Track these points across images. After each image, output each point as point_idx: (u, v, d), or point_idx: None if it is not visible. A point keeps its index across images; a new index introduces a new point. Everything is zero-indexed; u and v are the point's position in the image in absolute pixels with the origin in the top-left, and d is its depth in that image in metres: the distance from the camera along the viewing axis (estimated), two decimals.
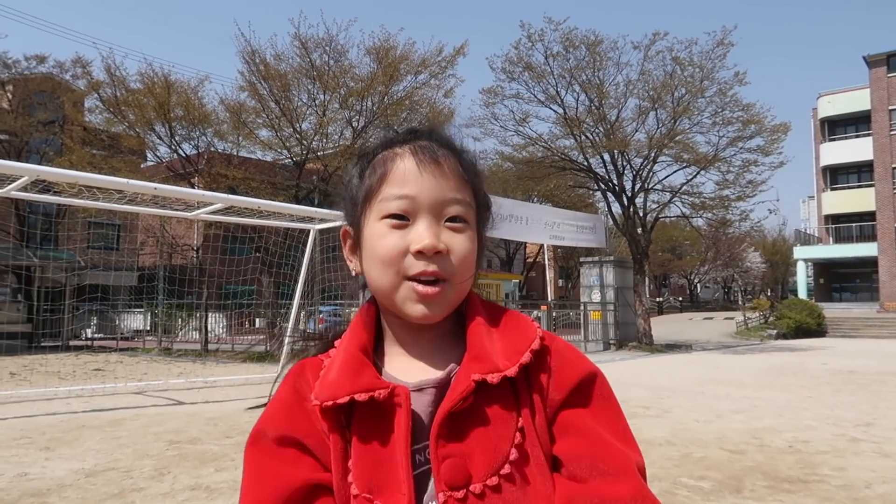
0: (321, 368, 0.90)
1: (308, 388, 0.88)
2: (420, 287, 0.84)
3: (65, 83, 23.38)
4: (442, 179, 0.87)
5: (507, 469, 0.79)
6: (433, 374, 0.87)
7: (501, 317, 0.92)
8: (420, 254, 0.84)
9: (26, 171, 8.56)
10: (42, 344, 21.20)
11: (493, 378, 0.81)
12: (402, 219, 0.86)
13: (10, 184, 8.90)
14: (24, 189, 9.33)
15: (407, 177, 0.86)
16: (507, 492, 0.78)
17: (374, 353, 0.91)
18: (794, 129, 20.69)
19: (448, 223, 0.87)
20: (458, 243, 0.87)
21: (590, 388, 0.87)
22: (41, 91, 23.62)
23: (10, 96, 23.43)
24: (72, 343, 22.32)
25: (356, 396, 0.82)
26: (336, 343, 0.94)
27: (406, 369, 0.89)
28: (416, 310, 0.85)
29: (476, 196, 0.92)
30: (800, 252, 40.16)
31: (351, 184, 0.94)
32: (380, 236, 0.86)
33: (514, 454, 0.80)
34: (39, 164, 19.22)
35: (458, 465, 0.78)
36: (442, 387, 0.85)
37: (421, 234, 0.84)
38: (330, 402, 0.83)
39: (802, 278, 40.44)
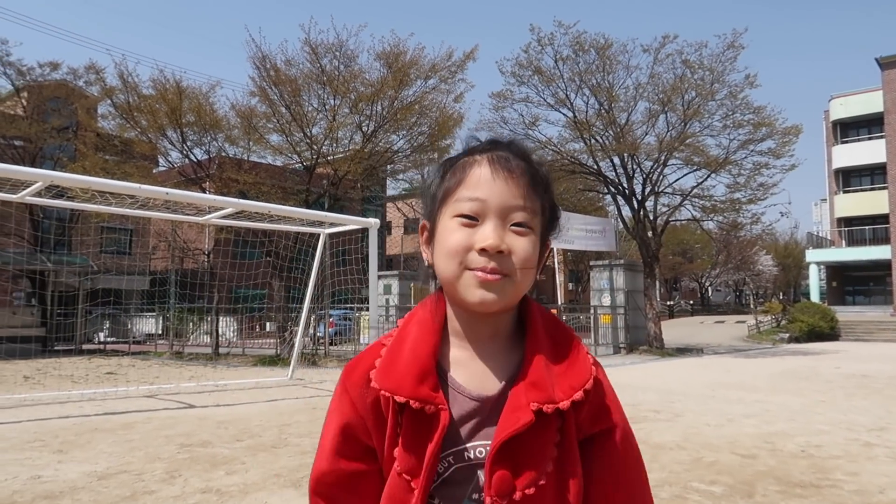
0: (380, 353, 1.00)
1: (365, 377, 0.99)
2: (480, 273, 0.92)
3: (78, 89, 23.60)
4: (512, 187, 0.95)
5: (543, 480, 0.90)
6: (490, 384, 0.97)
7: (561, 338, 1.00)
8: (484, 251, 0.92)
9: (40, 177, 8.66)
10: (56, 348, 21.38)
11: (548, 408, 0.91)
12: (472, 219, 0.94)
13: (24, 189, 9.01)
14: (39, 194, 9.44)
15: (481, 182, 0.95)
16: (542, 498, 0.90)
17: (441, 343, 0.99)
18: (805, 131, 20.58)
19: (513, 227, 0.95)
20: (520, 245, 0.94)
21: (624, 438, 1.01)
22: (55, 97, 23.85)
23: (25, 103, 23.66)
24: (85, 347, 22.50)
25: (411, 403, 0.92)
26: (399, 322, 1.04)
27: (467, 375, 0.98)
28: (476, 294, 0.93)
29: (544, 206, 0.99)
30: (812, 255, 39.84)
31: (432, 184, 1.04)
32: (451, 231, 0.95)
33: (550, 467, 0.91)
34: (53, 169, 19.44)
35: (506, 479, 0.89)
36: (493, 403, 0.95)
37: (486, 233, 0.93)
38: (387, 393, 0.93)
39: (815, 281, 40.13)
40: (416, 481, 0.91)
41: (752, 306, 54.89)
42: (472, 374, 0.97)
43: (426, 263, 1.04)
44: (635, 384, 11.50)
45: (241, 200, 11.43)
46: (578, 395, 0.93)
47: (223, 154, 21.00)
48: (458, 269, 0.94)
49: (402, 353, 0.96)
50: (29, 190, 8.97)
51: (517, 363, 0.97)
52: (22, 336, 18.33)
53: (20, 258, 22.57)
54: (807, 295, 44.28)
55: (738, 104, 19.57)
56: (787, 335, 27.49)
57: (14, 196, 9.30)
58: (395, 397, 0.92)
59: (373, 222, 12.07)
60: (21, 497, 4.48)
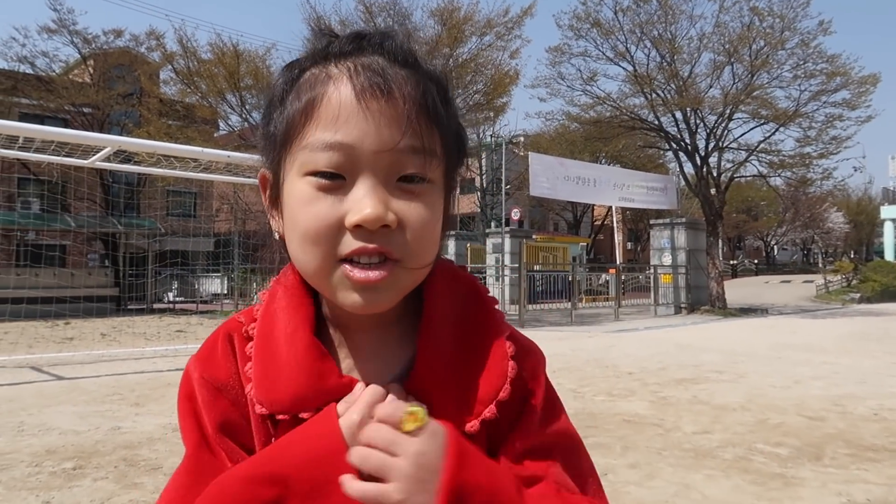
0: (246, 340, 0.73)
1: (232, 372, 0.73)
2: (356, 271, 0.63)
3: (141, 56, 24.20)
4: (395, 118, 0.63)
5: None
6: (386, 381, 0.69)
7: (471, 314, 0.73)
8: (359, 228, 0.62)
9: (109, 142, 8.96)
10: (128, 307, 22.40)
11: (472, 427, 0.67)
12: (335, 178, 0.63)
13: (94, 155, 9.35)
14: (108, 159, 9.79)
15: (342, 115, 0.62)
16: None
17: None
18: (884, 80, 19.36)
19: (402, 183, 0.64)
20: (416, 213, 0.64)
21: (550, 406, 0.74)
22: (119, 65, 24.52)
23: (92, 71, 24.42)
24: (155, 306, 23.51)
25: (301, 415, 0.66)
26: (257, 307, 0.75)
27: (360, 366, 0.71)
28: (351, 300, 0.64)
29: (445, 137, 0.67)
30: (887, 212, 37.99)
31: (270, 106, 0.70)
32: (303, 202, 0.64)
33: None
34: (120, 135, 20.09)
35: None
36: None
37: (360, 200, 0.62)
38: (287, 416, 0.66)
39: (890, 239, 38.26)
40: None
41: (820, 265, 52.95)
42: (364, 362, 0.71)
43: (277, 236, 0.73)
44: (696, 344, 11.30)
45: None
46: (490, 410, 0.67)
47: None
48: (324, 260, 0.64)
49: (276, 349, 0.69)
50: (99, 155, 9.30)
51: (409, 360, 0.70)
52: (97, 296, 19.28)
53: (93, 221, 23.59)
54: (880, 253, 42.35)
55: (810, 53, 18.55)
56: (858, 295, 26.44)
57: (85, 161, 9.67)
58: (301, 415, 0.66)
59: None
60: (103, 446, 4.75)
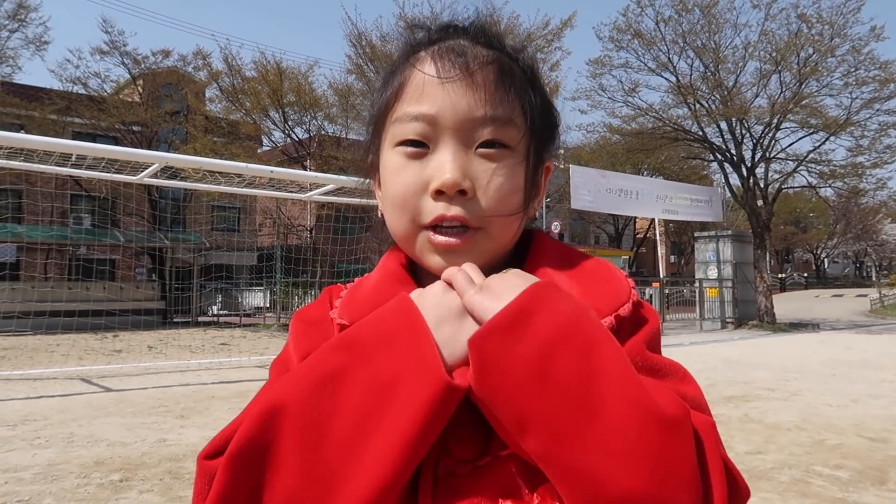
0: (341, 294, 0.76)
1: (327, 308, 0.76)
2: (438, 236, 0.68)
3: (187, 75, 24.87)
4: (472, 90, 0.68)
5: None
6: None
7: (581, 263, 0.73)
8: (440, 193, 0.67)
9: (157, 159, 9.18)
10: (174, 320, 22.86)
11: None
12: (420, 146, 0.68)
13: (143, 171, 9.58)
14: (156, 175, 10.02)
15: (425, 89, 0.68)
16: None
17: None
18: None
19: (481, 149, 0.68)
20: (493, 177, 0.68)
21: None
22: (167, 84, 25.25)
23: (141, 90, 25.19)
24: (200, 319, 23.94)
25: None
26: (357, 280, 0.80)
27: None
28: (435, 261, 0.69)
29: (527, 110, 0.71)
30: None
31: (373, 100, 0.77)
32: (393, 170, 0.70)
33: None
34: (167, 152, 20.62)
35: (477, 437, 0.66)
36: None
37: (440, 165, 0.67)
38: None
39: None
40: None
41: (874, 279, 51.13)
42: None
43: (379, 214, 0.79)
44: (746, 360, 10.96)
45: (341, 177, 11.69)
46: (606, 320, 0.65)
47: (322, 132, 21.59)
48: (409, 226, 0.69)
49: (365, 281, 0.76)
50: (147, 171, 9.54)
51: None
52: (145, 309, 19.73)
53: (141, 236, 24.22)
54: None
55: (862, 59, 18.01)
56: None
57: (134, 178, 9.93)
58: None
59: None
60: (149, 458, 4.79)
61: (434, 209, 0.67)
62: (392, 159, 0.71)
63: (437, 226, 0.67)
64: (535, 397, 0.54)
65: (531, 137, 0.72)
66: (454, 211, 0.66)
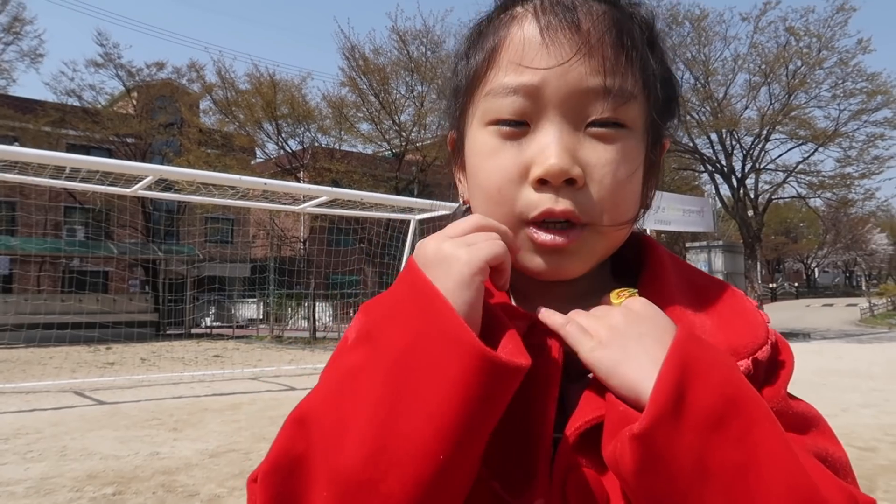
0: None
1: None
2: (542, 233, 0.57)
3: (181, 87, 24.94)
4: (583, 55, 0.55)
5: None
6: None
7: (706, 285, 0.63)
8: (543, 183, 0.56)
9: (151, 171, 9.20)
10: (167, 332, 22.78)
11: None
12: (519, 125, 0.57)
13: (137, 183, 9.60)
14: (150, 188, 10.04)
15: (526, 55, 0.56)
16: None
17: None
18: None
19: (593, 128, 0.57)
20: (607, 161, 0.56)
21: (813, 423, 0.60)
22: (161, 96, 25.31)
23: (135, 102, 25.24)
24: (193, 331, 23.86)
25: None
26: None
27: None
28: (536, 263, 0.58)
29: (648, 80, 0.59)
30: None
31: (456, 66, 0.65)
32: (485, 154, 0.59)
33: None
34: (161, 164, 20.65)
35: (589, 476, 0.55)
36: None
37: (544, 149, 0.56)
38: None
39: None
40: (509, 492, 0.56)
41: (864, 288, 51.46)
42: None
43: (462, 201, 0.69)
44: None
45: (334, 189, 11.74)
46: (743, 363, 0.56)
47: (316, 144, 21.68)
48: (507, 221, 0.57)
49: None
50: (141, 184, 9.55)
51: None
52: (138, 321, 19.68)
53: (135, 248, 24.19)
54: None
55: (850, 72, 18.30)
56: None
57: (128, 190, 9.94)
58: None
59: (462, 207, 12.09)
60: (143, 472, 4.80)
61: (539, 202, 0.56)
62: (483, 140, 0.59)
63: (540, 221, 0.57)
64: (695, 494, 0.46)
65: (651, 113, 0.60)
66: (563, 205, 0.55)
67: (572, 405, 0.55)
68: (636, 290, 0.58)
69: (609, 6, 0.58)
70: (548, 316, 0.56)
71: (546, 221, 0.57)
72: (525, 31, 0.57)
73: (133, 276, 28.27)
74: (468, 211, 0.66)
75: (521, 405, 0.54)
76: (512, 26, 0.58)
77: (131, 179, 9.54)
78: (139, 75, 24.93)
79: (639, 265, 0.65)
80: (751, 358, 0.57)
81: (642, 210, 0.65)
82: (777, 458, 0.47)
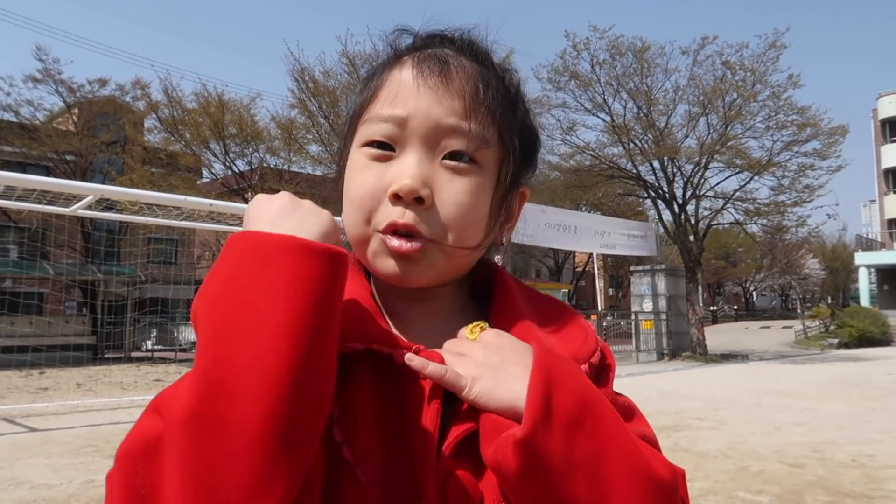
0: None
1: None
2: (392, 239, 0.64)
3: (125, 105, 24.37)
4: (446, 98, 0.65)
5: None
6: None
7: (545, 305, 0.74)
8: (398, 198, 0.64)
9: (92, 191, 8.97)
10: (105, 355, 22.00)
11: None
12: (387, 148, 0.66)
13: (76, 202, 9.34)
14: (90, 207, 9.78)
15: (400, 92, 0.66)
16: None
17: None
18: (852, 130, 20.04)
19: (447, 160, 0.65)
20: (454, 189, 0.65)
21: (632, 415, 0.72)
22: (104, 113, 24.66)
23: (76, 119, 24.53)
24: (133, 354, 23.10)
25: (374, 346, 0.63)
26: None
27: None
28: (387, 266, 0.66)
29: (504, 131, 0.68)
30: (861, 258, 38.65)
31: (351, 98, 0.75)
32: (356, 170, 0.68)
33: None
34: (102, 182, 20.09)
35: (468, 483, 0.61)
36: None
37: (402, 169, 0.64)
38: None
39: (865, 285, 38.89)
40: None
41: (799, 311, 53.50)
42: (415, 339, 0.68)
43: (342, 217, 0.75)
44: (678, 391, 11.32)
45: None
46: (583, 367, 0.68)
47: (264, 165, 21.46)
48: (363, 228, 0.66)
49: None
50: (81, 203, 9.30)
51: None
52: (74, 344, 18.95)
53: (72, 269, 23.34)
54: (856, 299, 42.95)
55: (782, 105, 19.17)
56: (836, 341, 26.69)
57: (67, 210, 9.66)
58: (347, 345, 0.61)
59: None
60: (76, 500, 4.64)
61: (389, 214, 0.64)
62: (357, 159, 0.68)
63: (390, 231, 0.65)
64: (565, 486, 0.55)
65: (506, 159, 0.69)
66: (407, 218, 0.63)
67: (446, 422, 0.62)
68: (486, 323, 0.67)
69: (479, 65, 0.69)
70: (427, 367, 0.61)
71: (396, 231, 0.64)
72: (403, 74, 0.67)
73: (70, 297, 27.24)
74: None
75: (404, 421, 0.62)
76: (394, 69, 0.68)
77: (70, 198, 9.28)
78: (80, 91, 24.23)
79: (491, 289, 0.75)
80: (587, 363, 0.68)
81: (489, 242, 0.72)
82: (621, 445, 0.57)
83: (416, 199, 0.63)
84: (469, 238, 0.67)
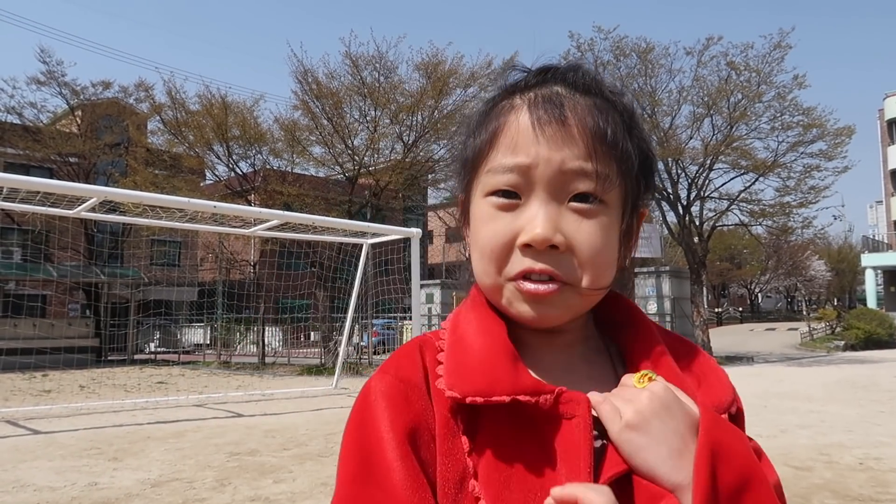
0: (437, 350, 0.71)
1: (422, 371, 0.69)
2: (527, 284, 0.65)
3: (129, 107, 24.42)
4: (567, 142, 0.66)
5: None
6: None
7: (679, 345, 0.74)
8: (528, 248, 0.65)
9: (95, 193, 8.96)
10: (109, 358, 22.03)
11: None
12: (513, 196, 0.67)
13: (80, 205, 9.34)
14: (93, 209, 9.78)
15: (520, 140, 0.67)
16: None
17: None
18: (858, 131, 19.96)
19: (574, 203, 0.66)
20: (585, 233, 0.66)
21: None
22: (107, 115, 24.72)
23: (80, 121, 24.58)
24: (136, 357, 23.14)
25: (520, 398, 0.62)
26: (443, 324, 0.75)
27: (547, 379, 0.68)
28: (523, 310, 0.67)
29: (624, 162, 0.68)
30: (868, 259, 38.45)
31: (466, 136, 0.75)
32: (483, 220, 0.69)
33: None
34: (106, 185, 20.12)
35: None
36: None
37: (532, 219, 0.65)
38: (480, 399, 0.62)
39: (871, 287, 38.70)
40: None
41: (804, 313, 53.32)
42: (551, 378, 0.68)
43: (466, 253, 0.76)
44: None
45: (286, 212, 11.63)
46: (724, 418, 0.66)
47: (268, 167, 21.45)
48: (496, 278, 0.67)
49: (468, 345, 0.68)
50: (84, 206, 9.30)
51: (611, 372, 0.72)
52: (78, 346, 18.96)
53: (76, 271, 23.38)
54: (863, 301, 42.75)
55: (787, 105, 19.11)
56: (843, 343, 26.58)
57: (70, 212, 9.66)
58: (494, 398, 0.62)
59: (415, 232, 12.14)
60: (79, 503, 4.61)
61: (522, 262, 0.65)
62: (483, 208, 0.69)
63: (523, 277, 0.66)
64: None
65: (628, 188, 0.70)
66: (541, 265, 0.65)
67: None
68: (654, 374, 0.65)
69: (592, 97, 0.70)
70: (591, 395, 0.64)
71: (530, 277, 0.65)
72: (520, 121, 0.67)
73: (73, 299, 27.29)
74: (469, 260, 0.74)
75: (555, 462, 0.62)
76: (510, 115, 0.69)
77: (74, 201, 9.28)
78: (84, 94, 24.30)
79: (618, 321, 0.76)
80: (726, 413, 0.68)
81: (618, 272, 0.73)
82: None
83: (549, 247, 0.65)
84: (604, 277, 0.68)
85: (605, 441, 0.62)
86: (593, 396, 0.63)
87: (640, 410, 0.61)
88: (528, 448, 0.63)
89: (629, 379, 0.66)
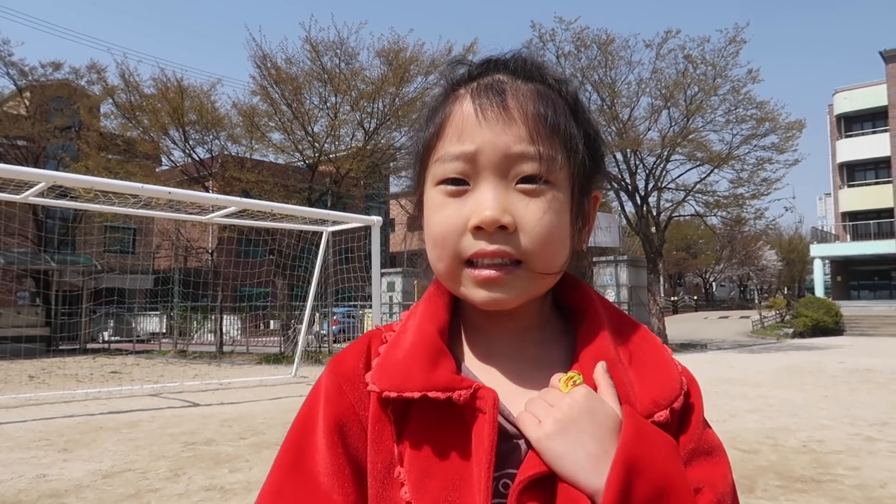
0: (382, 342, 0.74)
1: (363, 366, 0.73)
2: (479, 270, 0.67)
3: (80, 89, 23.64)
4: (509, 126, 0.67)
5: None
6: (528, 384, 0.71)
7: (632, 335, 0.73)
8: (479, 230, 0.66)
9: (44, 178, 8.69)
10: (60, 347, 21.45)
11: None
12: (461, 183, 0.69)
13: (28, 189, 9.04)
14: (42, 194, 9.47)
15: (465, 128, 0.69)
16: None
17: (451, 337, 0.73)
18: (809, 125, 20.57)
19: (521, 185, 0.67)
20: (533, 211, 0.67)
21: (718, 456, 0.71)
22: (58, 97, 23.90)
23: (28, 103, 23.72)
24: (89, 346, 22.57)
25: (430, 394, 0.65)
26: (403, 315, 0.78)
27: (489, 370, 0.72)
28: (477, 295, 0.68)
29: (569, 144, 0.70)
30: (816, 250, 39.72)
31: (416, 135, 0.77)
32: (434, 208, 0.71)
33: None
34: (56, 169, 19.50)
35: None
36: None
37: (479, 202, 0.67)
38: (394, 394, 0.66)
39: (819, 276, 40.03)
40: None
41: (756, 302, 54.89)
42: (495, 368, 0.72)
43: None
44: None
45: (244, 199, 11.45)
46: (662, 414, 0.66)
47: (225, 153, 21.05)
48: (451, 262, 0.69)
49: (401, 343, 0.71)
50: (32, 190, 9.00)
51: (564, 359, 0.73)
52: (26, 336, 18.44)
53: (24, 258, 22.65)
54: (811, 290, 44.20)
55: (741, 99, 19.57)
56: (792, 330, 27.47)
57: (17, 196, 9.34)
58: (405, 394, 0.65)
59: (375, 220, 12.08)
60: (27, 496, 4.51)
61: (475, 245, 0.67)
62: (434, 197, 0.71)
63: (476, 261, 0.67)
64: None
65: (575, 170, 0.71)
66: (493, 246, 0.66)
67: (501, 452, 0.64)
68: (580, 377, 0.66)
69: (535, 84, 0.71)
70: (528, 402, 0.66)
71: (482, 261, 0.67)
72: (464, 109, 0.69)
73: (21, 287, 26.44)
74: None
75: (463, 459, 0.64)
76: (455, 105, 0.71)
77: (22, 185, 8.97)
78: (33, 74, 23.46)
79: (574, 304, 0.77)
80: (668, 409, 0.67)
81: (574, 250, 0.74)
82: None
83: (499, 227, 0.66)
84: (556, 257, 0.70)
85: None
86: (528, 402, 0.66)
87: (559, 419, 0.63)
88: (449, 440, 0.65)
89: (556, 380, 0.67)
